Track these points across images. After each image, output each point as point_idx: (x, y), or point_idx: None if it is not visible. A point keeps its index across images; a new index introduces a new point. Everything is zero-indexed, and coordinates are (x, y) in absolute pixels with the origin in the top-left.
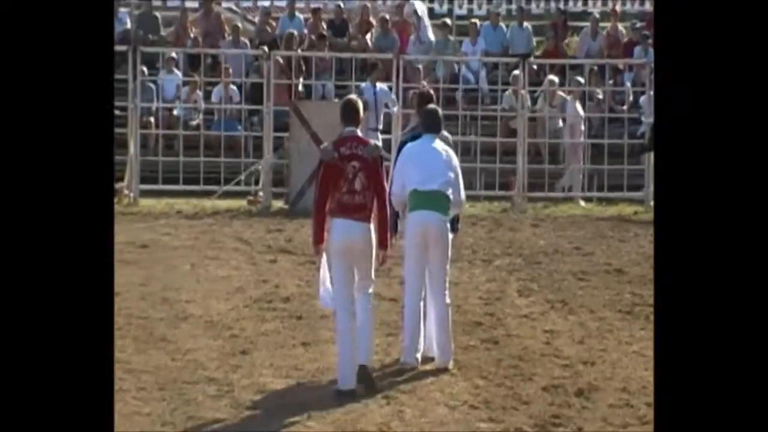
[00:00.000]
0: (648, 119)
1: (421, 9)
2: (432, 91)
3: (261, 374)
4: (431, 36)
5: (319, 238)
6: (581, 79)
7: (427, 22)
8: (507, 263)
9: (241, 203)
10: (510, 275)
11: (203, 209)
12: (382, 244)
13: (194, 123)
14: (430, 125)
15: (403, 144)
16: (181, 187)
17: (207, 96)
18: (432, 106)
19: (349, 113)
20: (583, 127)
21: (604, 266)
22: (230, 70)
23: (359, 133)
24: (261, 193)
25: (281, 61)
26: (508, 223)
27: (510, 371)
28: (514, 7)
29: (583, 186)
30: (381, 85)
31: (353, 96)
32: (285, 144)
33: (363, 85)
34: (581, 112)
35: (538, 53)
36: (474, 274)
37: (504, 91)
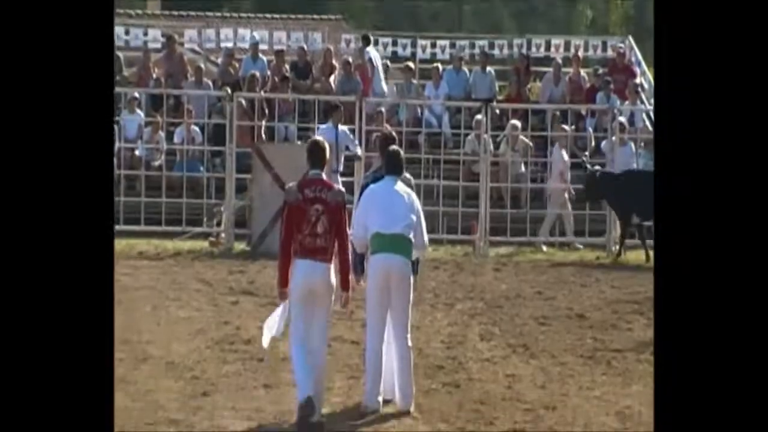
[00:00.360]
0: (592, 167)
1: (375, 57)
2: (395, 134)
3: (222, 416)
4: (384, 87)
5: (283, 282)
6: (566, 127)
7: (380, 72)
8: (469, 307)
9: (203, 244)
10: (472, 319)
11: (165, 250)
12: (344, 286)
13: (156, 164)
14: (392, 167)
15: (365, 186)
16: (142, 227)
17: (169, 137)
18: (394, 147)
19: (316, 155)
20: (569, 174)
21: (566, 311)
22: (193, 111)
23: (324, 176)
24: (223, 235)
25: (244, 102)
26: (470, 267)
27: (471, 415)
28: (477, 51)
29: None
30: (342, 127)
31: (320, 138)
32: (247, 186)
33: (324, 126)
34: (566, 158)
35: (500, 98)
36: (436, 318)
37: (467, 135)
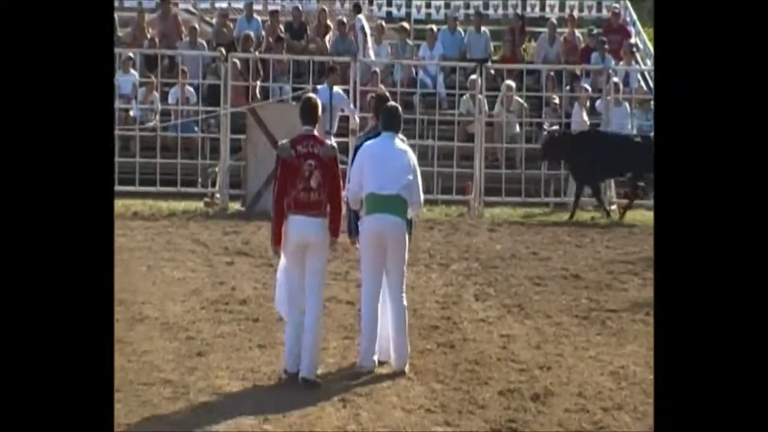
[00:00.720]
0: (550, 127)
1: (365, 26)
2: (389, 95)
3: (217, 376)
4: (372, 55)
5: (277, 239)
6: (588, 86)
7: (370, 43)
8: (464, 268)
9: (198, 205)
10: (467, 280)
11: (159, 210)
12: (334, 233)
13: (150, 124)
14: (390, 123)
15: (358, 147)
16: (136, 188)
17: (163, 97)
18: (392, 103)
19: (308, 112)
20: None
21: (561, 271)
22: (187, 72)
23: (316, 132)
24: (218, 195)
25: (238, 63)
26: (464, 228)
27: (466, 375)
28: (471, 11)
29: (539, 192)
30: (337, 89)
31: (313, 95)
32: (242, 146)
33: (319, 87)
34: (586, 119)
35: (495, 58)
36: (431, 279)
37: (461, 95)
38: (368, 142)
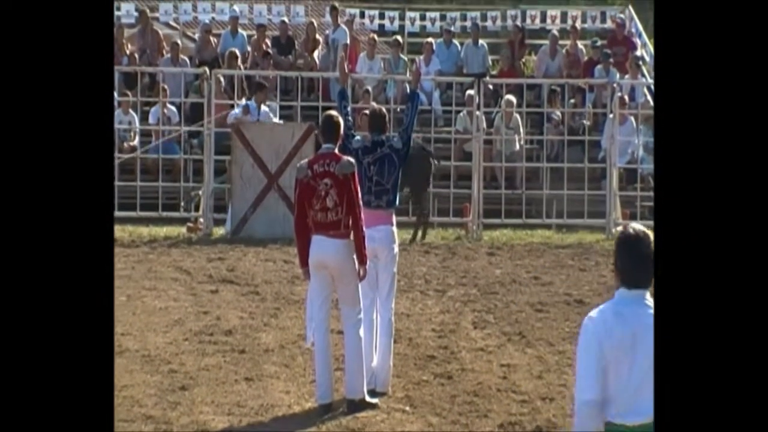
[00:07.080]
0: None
1: (340, 37)
2: (384, 110)
3: (201, 412)
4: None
5: (302, 261)
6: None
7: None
8: (461, 294)
9: (181, 230)
10: (465, 306)
11: (140, 237)
12: (360, 260)
13: (130, 145)
14: (640, 274)
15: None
16: (116, 213)
17: (144, 117)
18: (633, 229)
19: (329, 130)
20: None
21: (564, 297)
22: (168, 90)
23: (336, 150)
24: (201, 220)
25: (223, 80)
26: (462, 252)
27: (465, 408)
28: (468, 24)
29: (541, 212)
30: (264, 108)
31: (334, 112)
32: (227, 168)
33: (248, 103)
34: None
35: (494, 73)
36: (427, 305)
37: (458, 112)
38: (604, 316)
